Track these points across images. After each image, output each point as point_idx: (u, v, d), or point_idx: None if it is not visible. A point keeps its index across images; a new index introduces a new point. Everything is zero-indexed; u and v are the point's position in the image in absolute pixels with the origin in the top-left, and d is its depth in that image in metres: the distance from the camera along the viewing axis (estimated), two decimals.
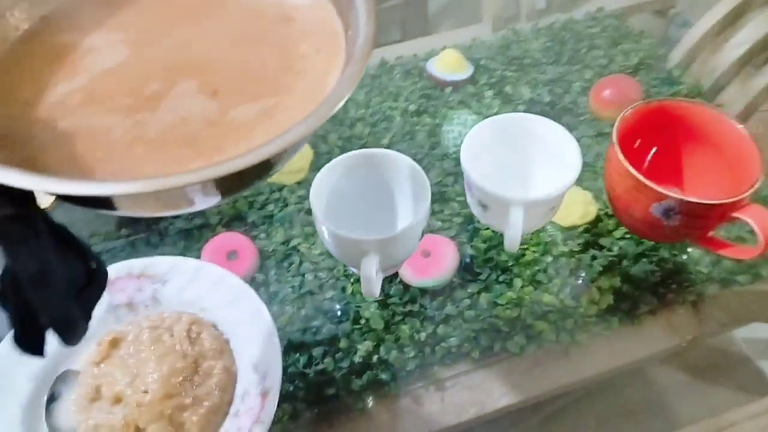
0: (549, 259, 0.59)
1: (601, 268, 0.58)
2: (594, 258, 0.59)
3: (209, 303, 0.49)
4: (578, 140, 0.68)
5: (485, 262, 0.59)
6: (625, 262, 0.58)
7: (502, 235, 0.54)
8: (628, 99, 0.68)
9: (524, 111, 0.72)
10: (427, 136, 0.70)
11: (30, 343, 0.26)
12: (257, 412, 0.43)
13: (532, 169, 0.58)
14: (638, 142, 0.57)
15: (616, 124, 0.52)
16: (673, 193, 0.47)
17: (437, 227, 0.62)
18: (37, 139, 0.31)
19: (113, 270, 0.50)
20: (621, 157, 0.49)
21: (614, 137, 0.51)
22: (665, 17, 0.95)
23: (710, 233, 0.51)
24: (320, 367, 0.53)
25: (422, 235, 0.49)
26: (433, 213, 0.63)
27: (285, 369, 0.53)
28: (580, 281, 0.58)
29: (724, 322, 0.56)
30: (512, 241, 0.48)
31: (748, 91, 0.70)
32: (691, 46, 0.76)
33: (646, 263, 0.58)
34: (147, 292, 0.50)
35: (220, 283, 0.50)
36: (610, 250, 0.59)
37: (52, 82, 0.33)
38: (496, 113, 0.72)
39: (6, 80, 0.33)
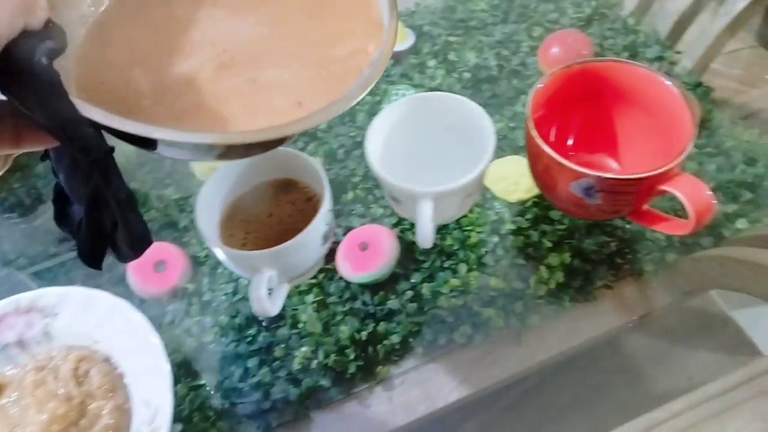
0: (496, 239, 0.55)
1: (550, 244, 0.54)
2: (543, 234, 0.55)
3: (103, 334, 0.46)
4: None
5: (429, 248, 0.55)
6: (576, 235, 0.54)
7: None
8: (577, 55, 0.63)
9: (470, 78, 0.68)
10: (367, 116, 0.66)
11: (96, 259, 0.31)
12: None
13: (448, 154, 0.54)
14: (564, 110, 0.52)
15: (530, 96, 0.47)
16: (588, 170, 0.42)
17: (379, 215, 0.58)
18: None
19: None
20: (534, 133, 0.44)
21: (528, 111, 0.46)
22: None
23: (644, 207, 0.47)
24: (256, 379, 0.50)
25: (325, 239, 0.45)
26: (375, 199, 0.59)
27: (220, 384, 0.50)
28: (529, 260, 0.54)
29: (686, 290, 0.53)
30: (424, 235, 0.44)
31: (707, 34, 0.65)
32: None
33: (599, 234, 0.54)
34: (37, 327, 0.47)
35: (113, 312, 0.47)
36: (561, 223, 0.55)
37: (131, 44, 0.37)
38: (439, 84, 0.68)
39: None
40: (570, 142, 0.55)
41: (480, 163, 0.45)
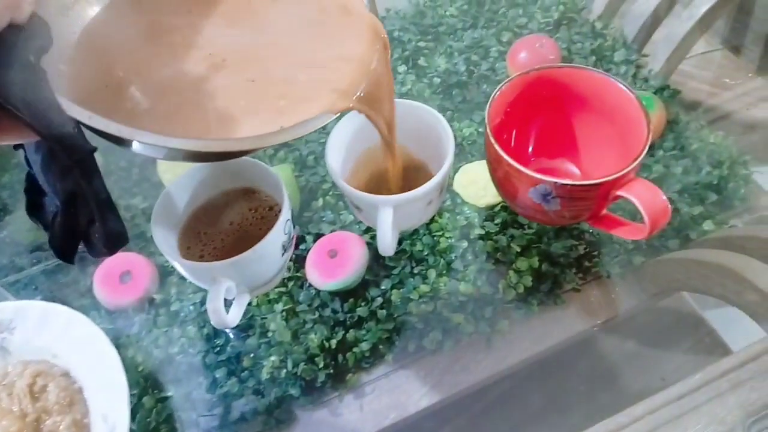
0: (465, 244, 0.55)
1: (519, 249, 0.54)
2: (512, 238, 0.55)
3: (61, 348, 0.45)
4: None
5: (398, 254, 0.55)
6: (545, 239, 0.55)
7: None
8: (545, 60, 0.64)
9: (440, 83, 0.68)
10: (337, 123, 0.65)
11: (68, 253, 0.32)
12: None
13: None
14: (523, 116, 0.52)
15: (489, 103, 0.47)
16: (544, 176, 0.42)
17: (349, 221, 0.58)
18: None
19: None
20: (492, 140, 0.44)
21: (486, 118, 0.46)
22: None
23: (603, 211, 0.47)
24: (224, 389, 0.49)
25: (285, 249, 0.45)
26: (345, 206, 0.59)
27: (188, 395, 0.50)
28: (498, 265, 0.54)
29: (654, 292, 0.53)
30: (385, 243, 0.44)
31: (672, 37, 0.65)
32: None
33: (567, 238, 0.54)
34: None
35: (70, 326, 0.46)
36: (530, 227, 0.55)
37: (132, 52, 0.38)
38: (409, 90, 0.68)
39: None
40: (531, 147, 0.55)
41: (440, 171, 0.45)
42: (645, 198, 0.40)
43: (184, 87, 0.36)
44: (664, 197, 0.41)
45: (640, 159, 0.41)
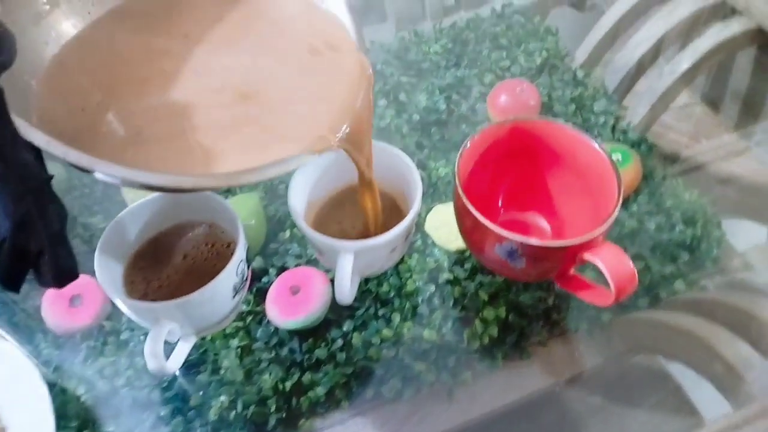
0: (432, 288, 0.54)
1: (487, 297, 0.53)
2: (480, 285, 0.53)
3: None
4: None
5: (364, 294, 0.53)
6: (513, 289, 0.53)
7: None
8: (524, 105, 0.63)
9: (419, 120, 0.67)
10: None
11: (14, 282, 0.30)
12: None
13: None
14: (495, 166, 0.51)
15: (460, 152, 0.46)
16: (511, 235, 0.41)
17: (315, 256, 0.56)
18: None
19: None
20: (460, 191, 0.43)
21: (456, 168, 0.44)
22: (584, 10, 0.90)
23: (571, 272, 0.46)
24: (168, 428, 0.47)
25: (237, 291, 0.43)
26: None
27: None
28: (464, 312, 0.53)
29: (621, 351, 0.52)
30: (343, 291, 0.42)
31: (653, 91, 0.65)
32: (595, 44, 0.71)
33: (536, 289, 0.53)
34: None
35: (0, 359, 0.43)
36: (499, 275, 0.54)
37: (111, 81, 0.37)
38: (388, 125, 0.67)
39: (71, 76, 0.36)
40: (501, 200, 0.54)
41: (404, 219, 0.43)
42: (612, 265, 0.39)
43: (164, 116, 0.35)
44: (632, 265, 0.39)
45: (608, 223, 0.40)
